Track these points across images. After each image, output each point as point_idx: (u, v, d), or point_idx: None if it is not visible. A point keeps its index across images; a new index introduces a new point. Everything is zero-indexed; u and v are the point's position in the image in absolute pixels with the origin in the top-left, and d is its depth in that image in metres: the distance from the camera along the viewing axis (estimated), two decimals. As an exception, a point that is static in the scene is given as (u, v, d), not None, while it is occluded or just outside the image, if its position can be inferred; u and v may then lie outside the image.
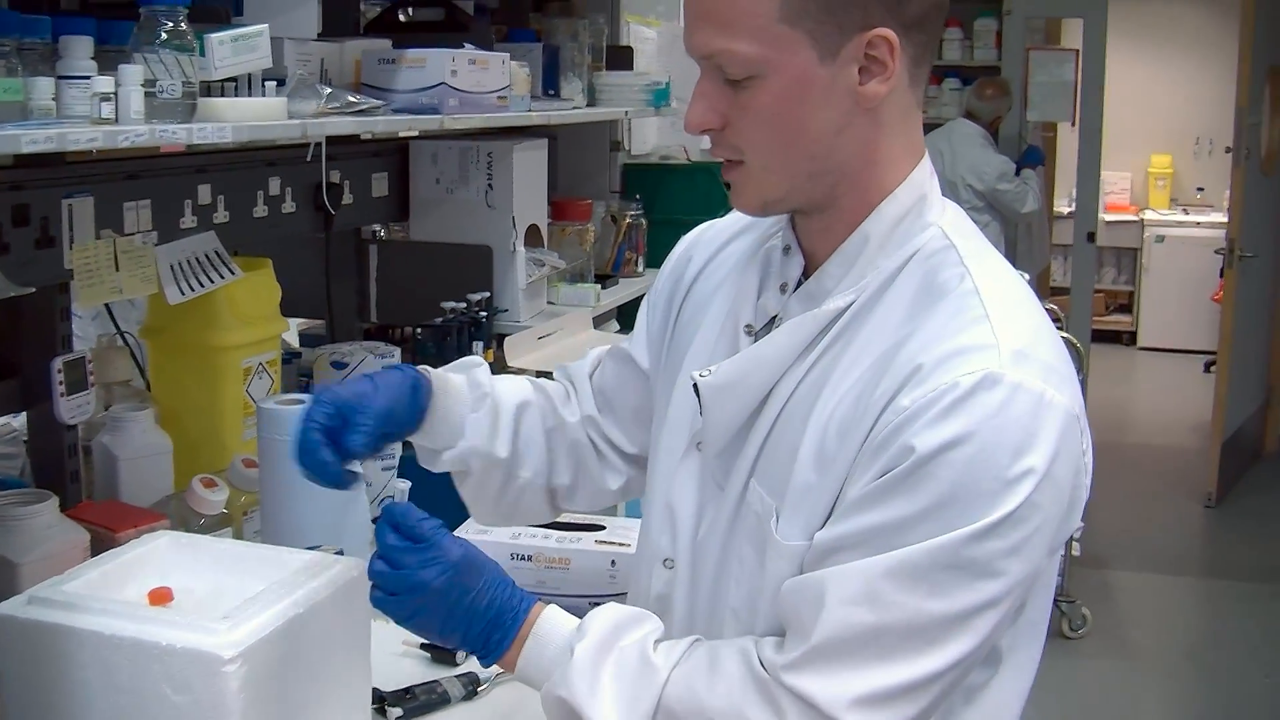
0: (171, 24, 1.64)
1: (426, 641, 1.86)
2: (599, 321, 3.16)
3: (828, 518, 1.27)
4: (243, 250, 2.60)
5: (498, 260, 2.92)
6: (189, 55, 1.66)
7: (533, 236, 3.02)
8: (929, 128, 6.47)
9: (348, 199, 2.71)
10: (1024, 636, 1.34)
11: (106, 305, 2.38)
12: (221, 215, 2.31)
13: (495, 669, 1.77)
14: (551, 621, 1.35)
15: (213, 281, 2.23)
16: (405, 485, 1.42)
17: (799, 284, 1.39)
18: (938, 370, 1.22)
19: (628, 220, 3.55)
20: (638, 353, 1.60)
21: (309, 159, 2.16)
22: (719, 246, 1.54)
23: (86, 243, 1.98)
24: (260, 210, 2.42)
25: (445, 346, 2.72)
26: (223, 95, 1.84)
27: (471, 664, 1.84)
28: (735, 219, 1.55)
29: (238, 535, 2.14)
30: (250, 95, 1.87)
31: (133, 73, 1.59)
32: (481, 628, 1.35)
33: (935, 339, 1.25)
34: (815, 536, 1.26)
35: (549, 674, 1.31)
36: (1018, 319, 1.27)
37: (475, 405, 1.56)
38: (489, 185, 2.89)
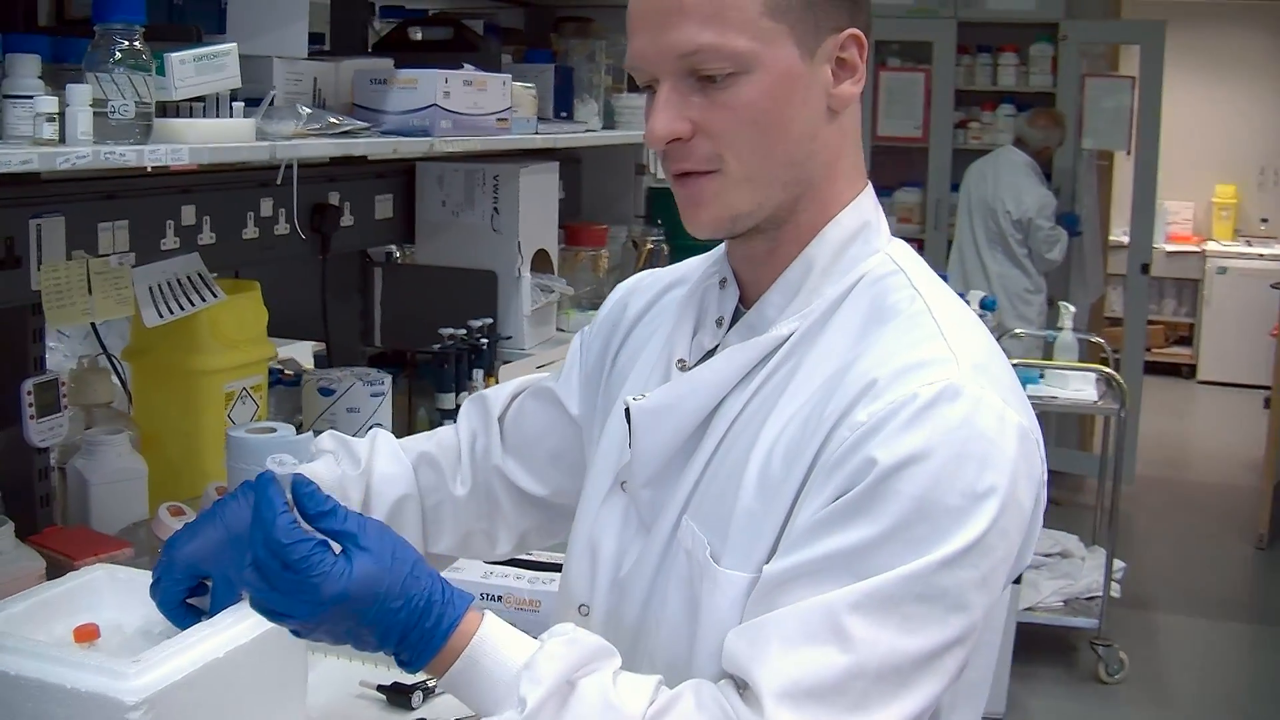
0: (127, 42, 1.59)
1: (383, 684, 1.81)
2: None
3: (773, 549, 1.19)
4: (242, 272, 2.58)
5: (502, 286, 2.86)
6: (144, 74, 1.61)
7: (541, 262, 2.96)
8: (980, 153, 6.40)
9: (348, 220, 2.67)
10: (963, 697, 1.27)
11: (93, 326, 2.35)
12: (207, 236, 2.27)
13: (447, 715, 1.74)
14: (490, 646, 1.17)
15: (194, 304, 2.19)
16: (290, 466, 1.30)
17: (736, 317, 1.32)
18: (895, 383, 1.16)
19: (649, 245, 3.49)
20: (566, 396, 1.54)
21: (279, 182, 2.11)
22: (657, 294, 1.49)
23: (56, 263, 1.94)
24: (251, 232, 2.38)
25: (444, 373, 2.66)
26: (191, 115, 1.79)
27: (426, 710, 1.78)
28: (674, 269, 1.50)
29: (207, 564, 2.09)
30: (220, 116, 1.82)
31: (81, 92, 1.54)
32: (392, 642, 1.18)
33: (889, 355, 1.19)
34: (765, 570, 1.17)
35: (487, 710, 1.17)
36: (972, 337, 1.24)
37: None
38: (495, 209, 2.84)
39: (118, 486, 2.11)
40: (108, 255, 2.04)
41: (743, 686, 1.15)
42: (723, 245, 1.36)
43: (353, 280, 2.94)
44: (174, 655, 1.35)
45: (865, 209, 1.30)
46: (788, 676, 1.12)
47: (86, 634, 1.45)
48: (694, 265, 1.45)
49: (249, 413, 2.33)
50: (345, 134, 2.07)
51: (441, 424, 2.66)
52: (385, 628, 1.17)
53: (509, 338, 2.85)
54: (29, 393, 1.99)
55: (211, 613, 1.40)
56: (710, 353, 1.33)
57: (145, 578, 1.56)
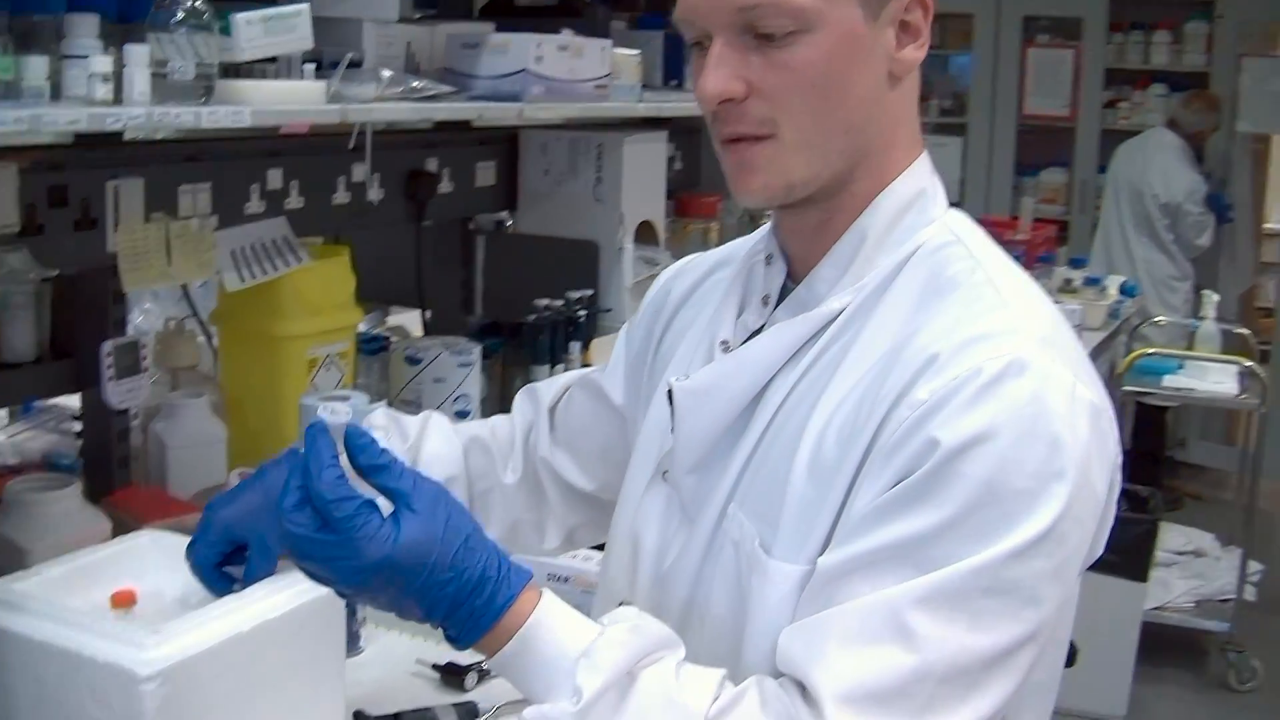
0: (189, 2, 1.57)
1: (438, 664, 1.77)
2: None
3: (827, 539, 1.11)
4: (343, 239, 2.56)
5: (604, 257, 2.81)
6: (207, 35, 1.58)
7: (646, 233, 2.90)
8: (1129, 134, 6.17)
9: (447, 188, 2.64)
10: (1030, 699, 1.16)
11: (184, 288, 2.36)
12: (295, 201, 2.25)
13: (497, 700, 1.69)
14: (546, 630, 1.08)
15: (277, 268, 2.18)
16: (344, 416, 1.13)
17: (784, 295, 1.25)
18: (957, 357, 1.08)
19: (767, 220, 3.40)
20: (611, 386, 1.47)
21: (351, 147, 2.08)
22: (702, 276, 1.41)
23: (134, 225, 1.93)
24: (341, 197, 2.36)
25: (539, 345, 2.62)
26: (264, 78, 1.77)
27: (479, 693, 1.74)
28: (720, 250, 1.44)
29: (279, 532, 2.07)
30: (292, 79, 1.79)
31: (138, 52, 1.52)
32: (439, 616, 1.09)
33: (951, 327, 1.11)
34: (819, 563, 1.10)
35: (538, 696, 1.08)
36: (1038, 309, 1.16)
37: None
38: (598, 178, 2.78)
39: (195, 450, 2.11)
40: (189, 218, 2.02)
41: (801, 689, 1.08)
42: (769, 222, 1.28)
43: (456, 249, 2.91)
44: (197, 627, 1.32)
45: (921, 176, 1.22)
46: (848, 679, 1.04)
47: (123, 600, 1.43)
48: (740, 245, 1.37)
49: (334, 380, 2.31)
50: (429, 98, 2.03)
51: (538, 397, 2.63)
52: (432, 601, 1.08)
53: (608, 310, 2.80)
54: (109, 354, 1.99)
55: (246, 581, 1.36)
56: (756, 333, 1.26)
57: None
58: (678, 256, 2.99)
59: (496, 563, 1.11)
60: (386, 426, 1.51)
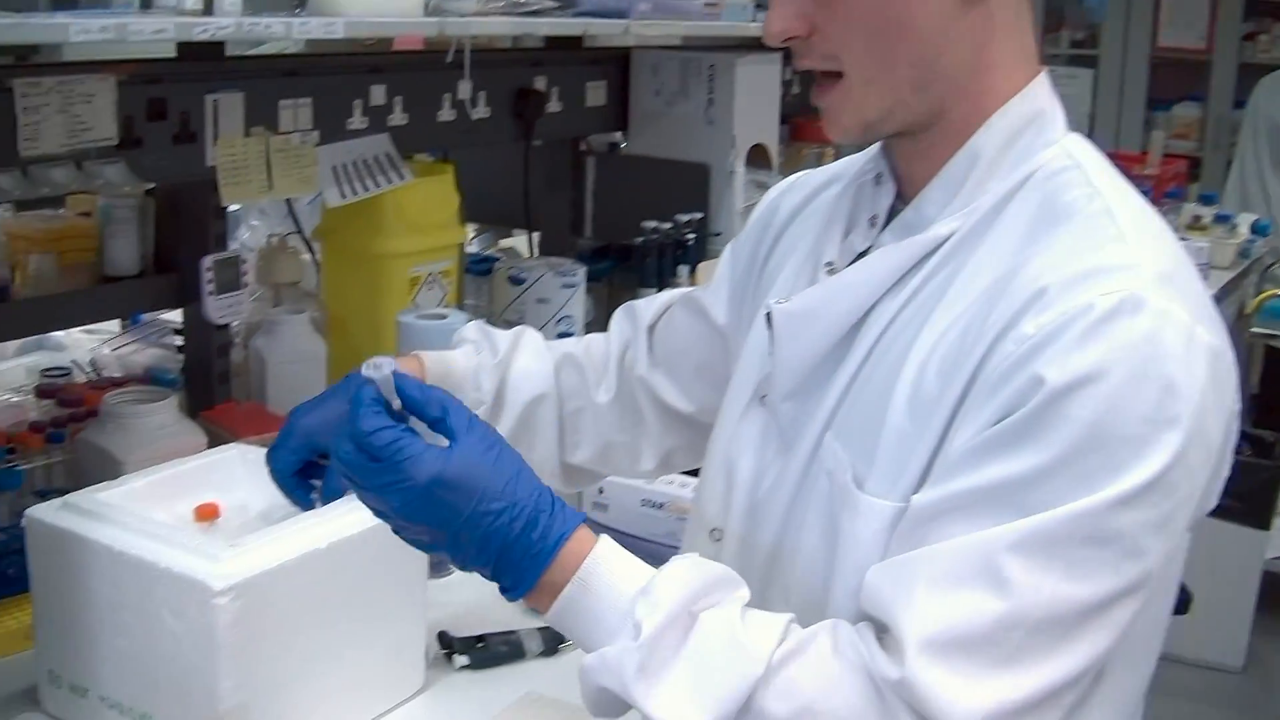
0: (283, -91, 1.54)
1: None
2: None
3: (923, 476, 1.06)
4: (452, 157, 2.54)
5: (715, 180, 2.75)
6: (299, -57, 1.56)
7: (759, 156, 2.84)
8: (1269, 68, 5.90)
9: (555, 107, 2.59)
10: (1129, 656, 1.10)
11: (288, 204, 2.35)
12: (399, 118, 2.22)
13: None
14: (605, 568, 1.04)
15: (379, 185, 2.16)
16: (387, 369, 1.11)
17: (893, 216, 1.19)
18: (1068, 292, 1.01)
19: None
20: (713, 305, 1.42)
21: (448, 61, 2.04)
22: (811, 193, 1.35)
23: (233, 139, 1.92)
24: (446, 114, 2.33)
25: (646, 268, 2.58)
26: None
27: (564, 613, 1.71)
28: (830, 167, 1.36)
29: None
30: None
31: (229, -39, 1.50)
32: (493, 554, 1.04)
33: (1062, 259, 1.04)
34: (913, 501, 1.05)
35: (598, 643, 1.03)
36: (1158, 243, 1.08)
37: (474, 405, 1.41)
38: (710, 100, 2.72)
39: (295, 367, 2.12)
40: (289, 133, 2.01)
41: (883, 631, 1.03)
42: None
43: (566, 170, 2.87)
44: (274, 542, 1.31)
45: (1039, 97, 1.15)
46: (934, 623, 0.99)
47: (207, 513, 1.43)
48: (851, 162, 1.31)
49: (436, 298, 2.29)
50: (531, 13, 1.99)
51: (644, 321, 2.59)
52: (485, 533, 1.03)
53: (718, 234, 2.75)
54: (209, 269, 2.00)
55: (325, 492, 1.35)
56: (862, 255, 1.20)
57: (277, 460, 1.54)
58: (791, 181, 2.95)
59: (550, 499, 1.07)
60: (477, 340, 1.48)
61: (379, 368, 1.11)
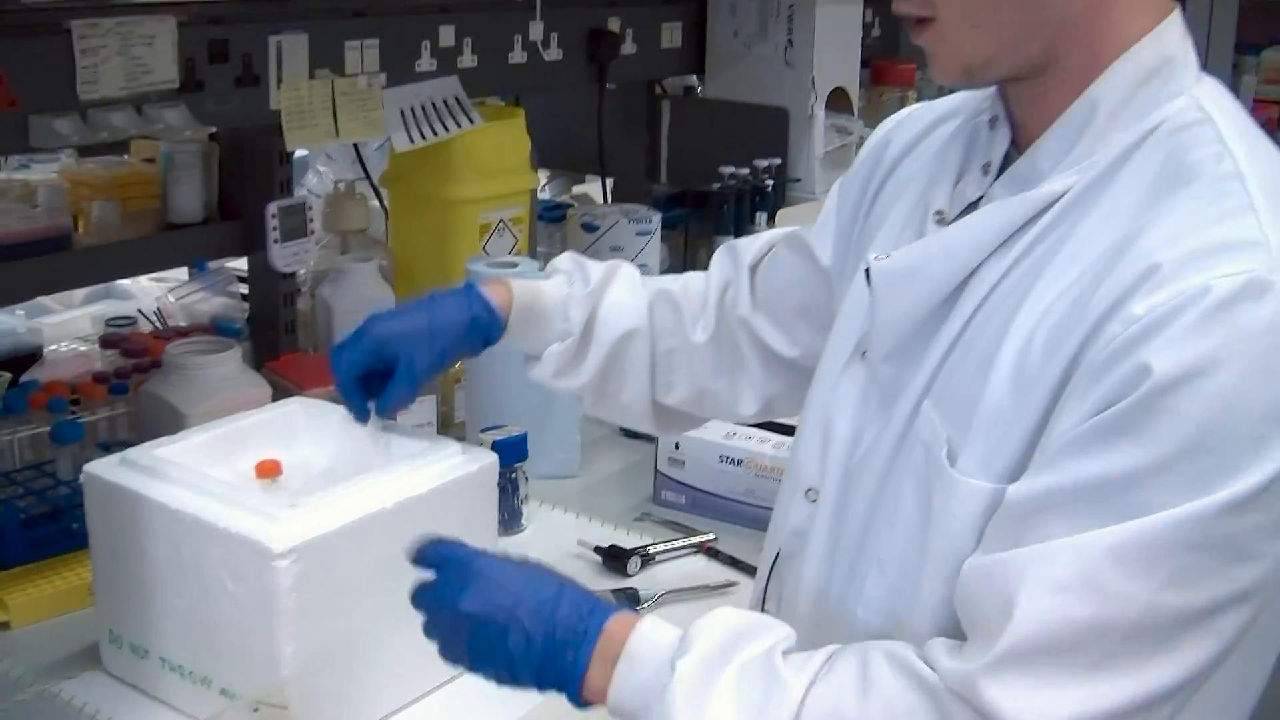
0: None
1: (600, 545, 1.69)
2: (909, 199, 2.85)
3: (1020, 458, 0.98)
4: (523, 100, 2.47)
5: (794, 124, 2.65)
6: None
7: (839, 100, 2.74)
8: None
9: (630, 49, 2.51)
10: (1241, 665, 1.00)
11: (355, 149, 2.29)
12: (468, 59, 2.15)
13: (659, 588, 1.61)
14: (650, 636, 1.03)
15: (448, 130, 2.09)
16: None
17: (1006, 164, 1.10)
18: (1184, 270, 0.91)
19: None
20: (818, 245, 1.34)
21: (519, 2, 1.96)
22: (925, 129, 1.25)
23: (297, 82, 1.86)
24: (518, 56, 2.25)
25: (723, 215, 2.50)
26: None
27: (641, 580, 1.65)
28: (947, 100, 1.26)
29: (446, 404, 2.01)
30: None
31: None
32: (542, 653, 1.04)
33: (1182, 230, 0.94)
34: (1009, 491, 0.96)
35: (647, 704, 1.01)
36: None
37: (560, 337, 1.40)
38: (789, 41, 2.62)
39: (363, 316, 2.04)
40: (355, 76, 1.94)
41: (975, 628, 0.97)
42: None
43: (641, 114, 2.79)
44: (336, 502, 1.26)
45: (1169, 41, 1.03)
46: (1017, 626, 0.91)
47: (268, 469, 1.37)
48: (970, 98, 1.21)
49: (507, 245, 2.23)
50: (606, -51, 1.90)
51: (721, 269, 2.51)
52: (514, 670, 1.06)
53: (798, 180, 2.66)
54: (274, 216, 1.94)
55: (381, 404, 1.34)
56: (974, 205, 1.11)
57: (342, 413, 1.48)
58: (871, 126, 2.83)
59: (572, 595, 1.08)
60: (569, 270, 1.43)
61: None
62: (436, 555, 1.11)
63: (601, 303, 1.39)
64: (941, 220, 1.13)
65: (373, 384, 1.35)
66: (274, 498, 1.29)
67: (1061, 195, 1.02)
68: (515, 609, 1.05)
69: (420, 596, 1.11)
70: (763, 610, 1.23)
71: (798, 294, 1.35)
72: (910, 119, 1.29)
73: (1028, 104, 1.07)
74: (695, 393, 1.43)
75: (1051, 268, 1.00)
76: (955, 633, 0.99)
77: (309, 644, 1.22)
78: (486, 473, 1.39)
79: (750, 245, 1.43)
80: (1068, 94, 1.03)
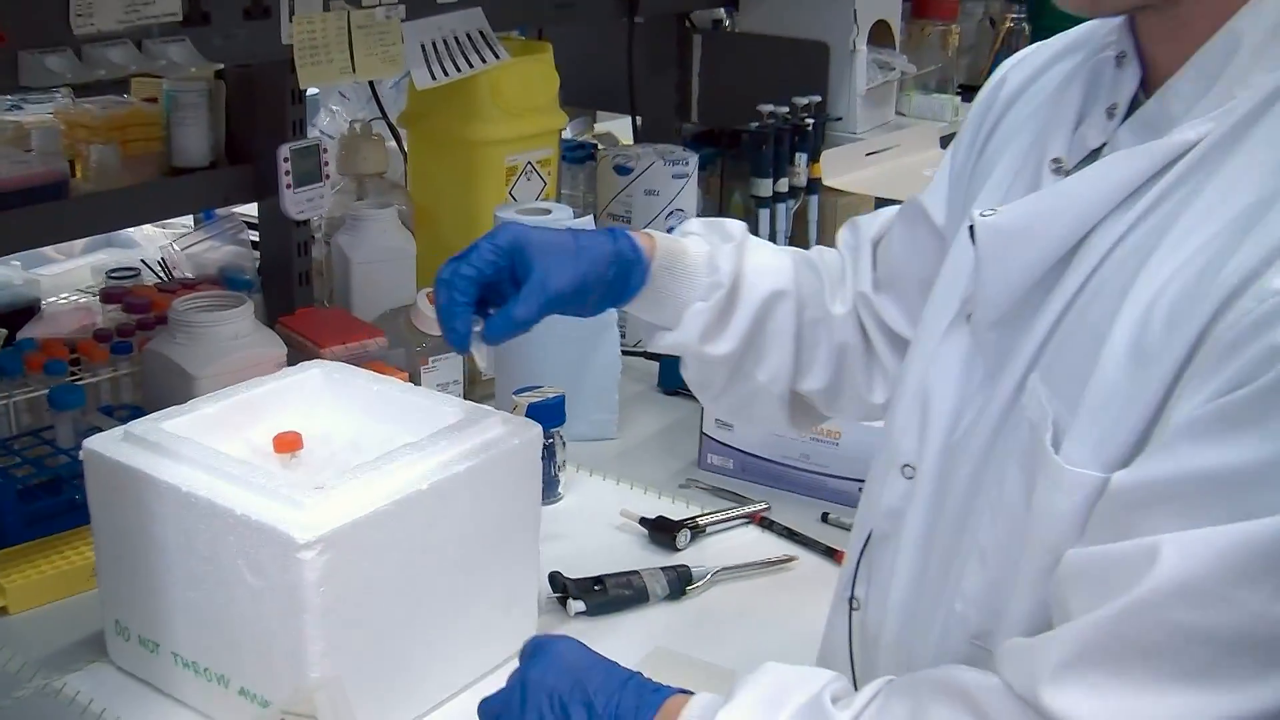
0: None
1: (646, 517, 1.56)
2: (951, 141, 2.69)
3: (1135, 444, 0.84)
4: (546, 35, 2.32)
5: (834, 60, 2.49)
6: None
7: (881, 35, 2.58)
8: None
9: (661, -22, 2.36)
10: None
11: (371, 87, 2.14)
12: (493, -10, 1.99)
13: (711, 564, 1.48)
14: (702, 699, 0.96)
15: (472, 65, 1.94)
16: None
17: (1134, 107, 0.96)
18: None
19: (1008, 24, 3.04)
20: (933, 204, 1.19)
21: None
22: (1043, 65, 1.11)
23: (311, 14, 1.71)
24: (544, -14, 2.10)
25: (761, 155, 2.35)
26: None
27: (691, 554, 1.52)
28: (1070, 34, 1.11)
29: (471, 362, 1.87)
30: None
31: None
32: None
33: None
34: (1116, 479, 0.83)
35: None
36: None
37: (706, 293, 1.21)
38: (829, -30, 2.47)
39: (382, 266, 1.93)
40: (373, 7, 1.79)
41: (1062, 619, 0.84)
42: None
43: (670, 49, 2.63)
44: (367, 482, 1.12)
45: None
46: (1105, 627, 0.80)
47: (288, 444, 1.24)
48: (1092, 30, 1.06)
49: (535, 190, 2.08)
50: None
51: (756, 213, 2.37)
52: None
53: (839, 119, 2.50)
54: (285, 159, 1.80)
55: (489, 332, 1.14)
56: (1096, 153, 0.97)
57: (366, 380, 1.35)
58: (913, 61, 2.70)
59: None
60: (703, 231, 1.27)
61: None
62: None
63: (746, 259, 1.24)
64: (1059, 169, 0.99)
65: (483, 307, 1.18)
66: (296, 477, 1.16)
67: (1194, 145, 0.87)
68: (583, 680, 0.98)
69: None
70: (852, 597, 1.11)
71: (917, 266, 1.20)
72: (1028, 58, 1.15)
73: (1160, 37, 0.92)
74: (833, 377, 1.28)
75: (1178, 229, 0.86)
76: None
77: (339, 643, 1.09)
78: (530, 446, 1.26)
79: (873, 220, 1.29)
80: (1207, 25, 0.89)
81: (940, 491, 1.02)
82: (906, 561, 1.03)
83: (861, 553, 1.10)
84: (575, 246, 1.16)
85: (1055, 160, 0.99)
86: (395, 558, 1.12)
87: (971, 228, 0.96)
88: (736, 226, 1.26)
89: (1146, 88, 0.95)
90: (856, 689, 0.94)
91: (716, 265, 1.21)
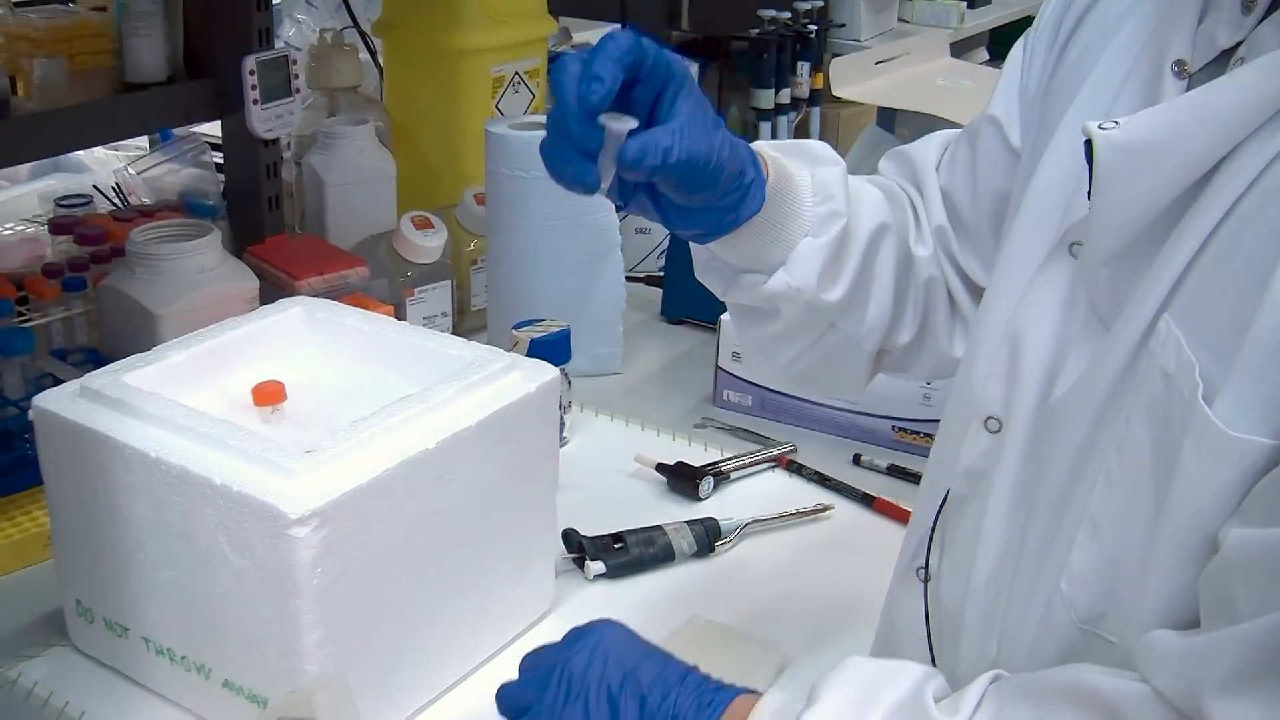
0: None
1: (665, 463, 1.41)
2: (961, 49, 2.54)
3: None
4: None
5: (837, -40, 2.34)
6: None
7: (884, -68, 2.43)
8: None
9: (651, -128, 2.18)
10: None
11: (341, -8, 1.96)
12: (473, -119, 1.82)
13: (740, 516, 1.33)
14: (774, 699, 0.82)
15: (454, -34, 1.77)
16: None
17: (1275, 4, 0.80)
18: None
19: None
20: (1007, 120, 1.02)
21: None
22: None
23: (276, -95, 1.53)
24: (529, -122, 1.92)
25: (762, 65, 2.19)
26: None
27: (715, 504, 1.38)
28: None
29: (461, 292, 1.72)
30: None
31: None
32: None
33: None
34: None
35: None
36: None
37: (819, 227, 0.99)
38: None
39: (359, 188, 1.77)
40: (344, -102, 1.62)
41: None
42: None
43: (659, -51, 2.46)
44: (366, 442, 0.97)
45: None
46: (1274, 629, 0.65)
47: (269, 395, 1.08)
48: None
49: (522, 103, 1.92)
50: None
51: (758, 126, 2.21)
52: None
53: (842, 25, 2.35)
54: (251, 72, 1.63)
55: (634, 145, 0.83)
56: (1228, 54, 0.81)
57: (356, 318, 1.20)
58: (920, -37, 2.53)
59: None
60: (784, 156, 1.02)
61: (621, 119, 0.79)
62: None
63: (852, 198, 1.03)
64: (1184, 74, 0.83)
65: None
66: (281, 436, 1.00)
67: None
68: (636, 673, 0.84)
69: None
70: (924, 568, 0.96)
71: (992, 197, 1.04)
72: None
73: None
74: (920, 327, 1.09)
75: None
76: (1189, 627, 0.72)
77: (338, 630, 0.94)
78: (547, 394, 1.10)
79: (924, 148, 1.10)
80: None
81: (1037, 451, 0.87)
82: (995, 531, 0.88)
83: (935, 521, 0.95)
84: (720, 122, 0.90)
85: (1178, 63, 0.83)
86: (399, 529, 0.97)
87: (1089, 143, 0.80)
88: (822, 147, 1.04)
89: None
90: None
91: (830, 192, 1.00)
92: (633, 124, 0.82)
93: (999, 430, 0.90)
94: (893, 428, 1.51)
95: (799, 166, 1.00)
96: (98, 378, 1.05)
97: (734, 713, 0.81)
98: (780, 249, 0.98)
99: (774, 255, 0.98)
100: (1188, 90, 0.82)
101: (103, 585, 1.05)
